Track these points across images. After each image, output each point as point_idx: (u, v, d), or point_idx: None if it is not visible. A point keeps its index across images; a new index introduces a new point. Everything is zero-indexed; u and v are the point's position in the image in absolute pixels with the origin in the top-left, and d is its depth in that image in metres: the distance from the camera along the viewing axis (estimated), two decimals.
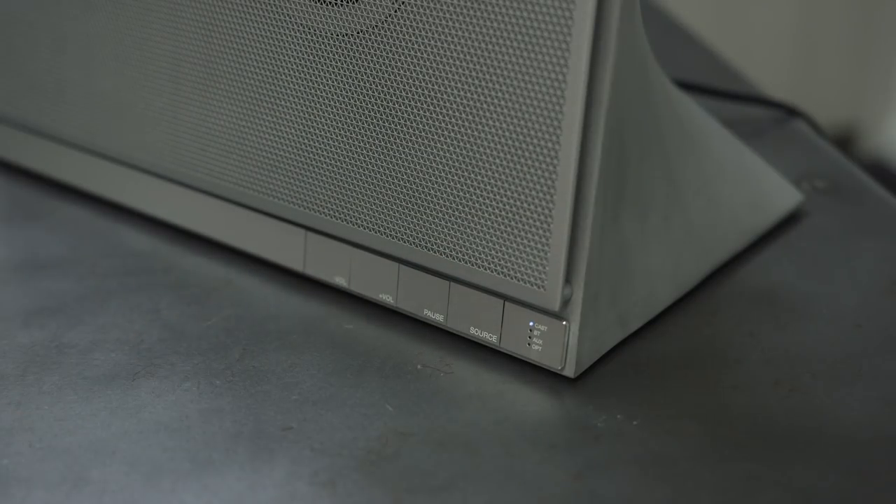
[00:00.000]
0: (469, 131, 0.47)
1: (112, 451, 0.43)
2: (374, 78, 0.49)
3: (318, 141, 0.52)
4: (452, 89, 0.47)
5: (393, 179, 0.50)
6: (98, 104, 0.60)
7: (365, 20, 0.49)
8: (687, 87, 0.74)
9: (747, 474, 0.44)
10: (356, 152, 0.51)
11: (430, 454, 0.44)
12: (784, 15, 2.14)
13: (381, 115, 0.50)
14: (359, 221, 0.52)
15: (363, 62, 0.49)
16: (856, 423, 0.47)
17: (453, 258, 0.49)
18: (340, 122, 0.51)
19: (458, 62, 0.46)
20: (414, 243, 0.50)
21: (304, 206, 0.54)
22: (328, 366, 0.50)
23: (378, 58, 0.49)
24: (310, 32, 0.51)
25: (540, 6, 0.43)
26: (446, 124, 0.48)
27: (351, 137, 0.51)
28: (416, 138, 0.49)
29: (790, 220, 0.64)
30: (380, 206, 0.51)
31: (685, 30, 1.00)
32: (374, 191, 0.51)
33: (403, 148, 0.49)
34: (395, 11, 0.48)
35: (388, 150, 0.50)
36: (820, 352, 0.52)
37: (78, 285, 0.55)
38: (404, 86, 0.48)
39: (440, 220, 0.49)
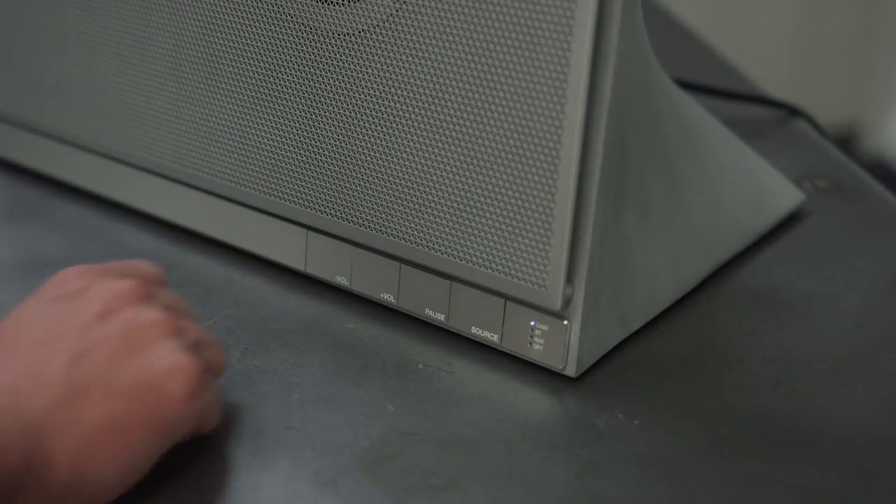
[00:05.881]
0: (470, 130, 0.47)
1: None
2: (375, 77, 0.49)
3: (319, 140, 0.52)
4: (454, 88, 0.47)
5: (395, 179, 0.50)
6: (99, 103, 0.60)
7: (367, 19, 0.49)
8: (688, 86, 0.74)
9: (748, 473, 0.44)
10: (358, 152, 0.51)
11: (432, 453, 0.44)
12: (785, 14, 2.14)
13: (383, 114, 0.50)
14: (360, 221, 0.52)
15: (365, 61, 0.49)
16: (857, 422, 0.47)
17: (454, 258, 0.49)
18: (342, 121, 0.51)
19: (459, 61, 0.46)
20: (415, 243, 0.50)
21: (306, 205, 0.54)
22: (329, 365, 0.50)
23: (380, 57, 0.49)
24: (311, 31, 0.51)
25: (541, 5, 0.43)
26: (448, 123, 0.48)
27: (352, 137, 0.51)
28: (418, 138, 0.49)
29: (791, 220, 0.64)
30: (381, 205, 0.51)
31: (686, 29, 1.00)
32: (376, 190, 0.51)
33: (405, 147, 0.49)
34: (397, 11, 0.48)
35: (390, 150, 0.50)
36: (821, 351, 0.52)
37: None
38: (406, 85, 0.48)
39: (441, 220, 0.49)
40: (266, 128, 0.54)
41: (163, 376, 0.40)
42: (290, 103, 0.53)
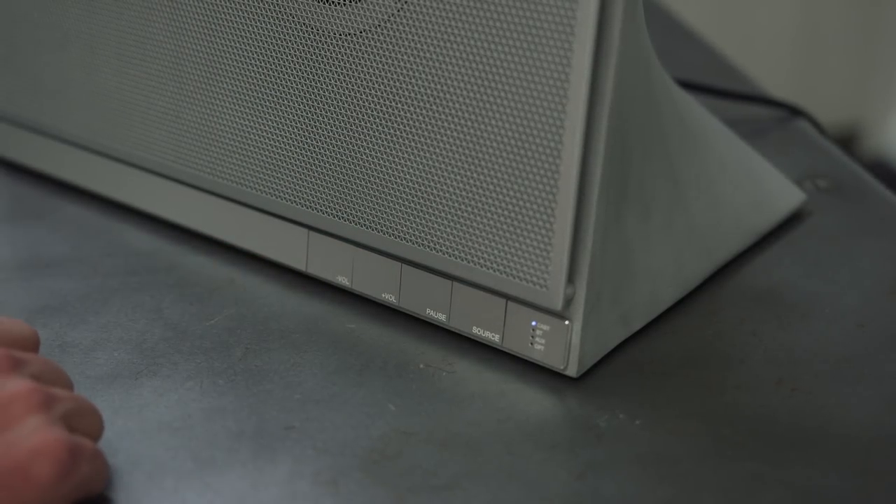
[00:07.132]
0: (472, 130, 0.47)
1: (115, 451, 0.43)
2: (376, 77, 0.49)
3: (320, 140, 0.52)
4: (455, 88, 0.47)
5: (396, 179, 0.50)
6: (101, 103, 0.60)
7: (368, 19, 0.49)
8: (689, 86, 0.74)
9: (750, 474, 0.44)
10: (359, 151, 0.51)
11: (433, 454, 0.44)
12: (787, 14, 2.14)
13: (385, 114, 0.50)
14: (361, 221, 0.52)
15: (366, 61, 0.49)
16: (858, 422, 0.47)
17: (456, 257, 0.49)
18: (343, 121, 0.51)
19: (461, 61, 0.46)
20: (416, 243, 0.50)
21: (307, 205, 0.54)
22: (330, 365, 0.50)
23: (381, 57, 0.49)
24: (313, 31, 0.51)
25: (543, 5, 0.43)
26: (449, 123, 0.48)
27: (354, 137, 0.51)
28: (419, 137, 0.49)
29: (793, 220, 0.64)
30: (382, 205, 0.51)
31: (687, 28, 1.00)
32: (377, 190, 0.51)
33: (406, 147, 0.49)
34: (399, 10, 0.48)
35: (391, 150, 0.50)
36: (822, 351, 0.52)
37: (80, 284, 0.55)
38: (407, 85, 0.48)
39: (443, 220, 0.49)
40: (267, 128, 0.54)
41: (29, 458, 0.36)
42: (291, 103, 0.53)
